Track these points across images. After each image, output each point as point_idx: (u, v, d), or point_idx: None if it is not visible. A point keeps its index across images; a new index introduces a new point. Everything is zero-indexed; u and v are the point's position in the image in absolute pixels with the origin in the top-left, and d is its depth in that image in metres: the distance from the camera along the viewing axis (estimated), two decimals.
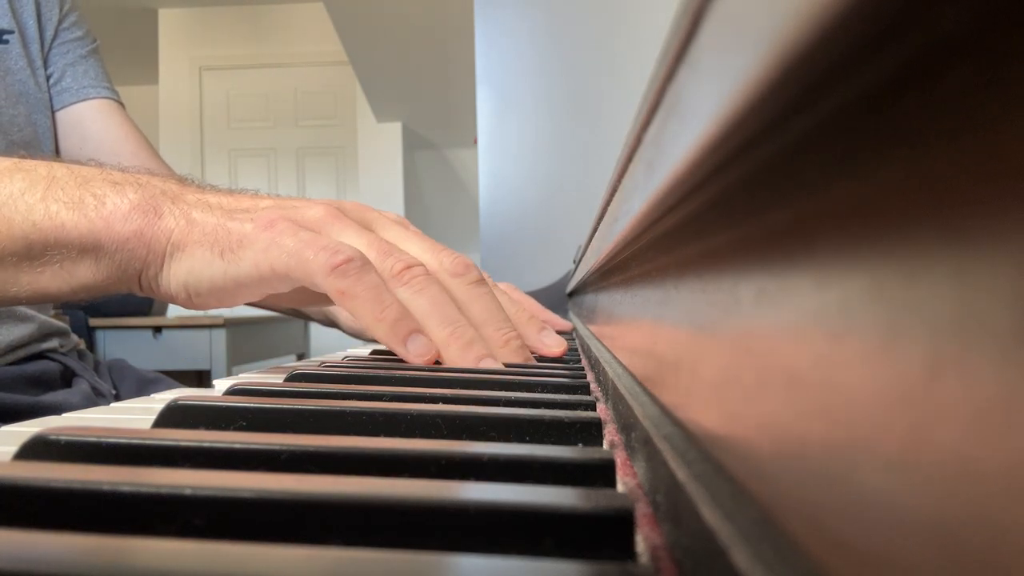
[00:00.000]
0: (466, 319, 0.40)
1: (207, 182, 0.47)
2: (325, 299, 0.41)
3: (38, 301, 0.40)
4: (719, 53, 0.10)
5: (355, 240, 0.40)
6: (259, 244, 0.38)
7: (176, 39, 3.89)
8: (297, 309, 0.67)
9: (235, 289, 0.40)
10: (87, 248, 0.38)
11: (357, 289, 0.37)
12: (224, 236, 0.39)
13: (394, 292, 0.39)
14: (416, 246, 0.43)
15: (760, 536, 0.10)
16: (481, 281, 0.43)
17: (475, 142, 1.45)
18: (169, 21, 3.88)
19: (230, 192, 0.44)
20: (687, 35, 0.12)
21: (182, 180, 0.44)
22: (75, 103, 0.75)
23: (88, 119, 0.76)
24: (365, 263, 0.38)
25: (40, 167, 0.39)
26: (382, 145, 3.77)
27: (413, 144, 3.90)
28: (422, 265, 0.40)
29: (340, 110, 3.96)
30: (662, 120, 0.16)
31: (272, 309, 0.66)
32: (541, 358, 0.45)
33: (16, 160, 0.39)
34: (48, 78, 0.74)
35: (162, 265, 0.39)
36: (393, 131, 3.76)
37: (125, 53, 3.86)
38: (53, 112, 0.75)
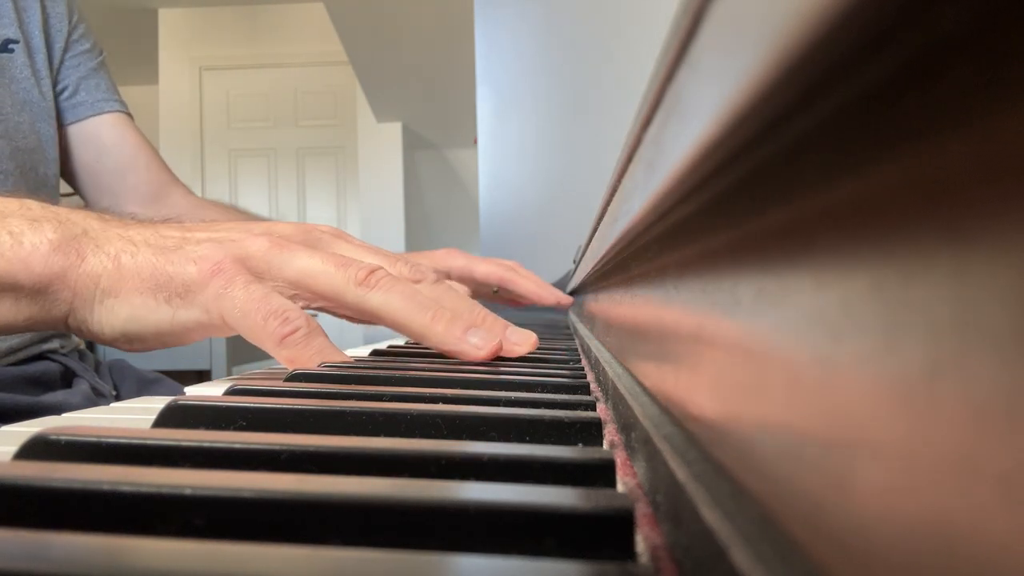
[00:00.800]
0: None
1: (128, 213, 0.46)
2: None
3: None
4: (719, 53, 0.10)
5: (308, 261, 0.40)
6: (208, 291, 0.37)
7: (176, 39, 3.89)
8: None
9: (183, 333, 0.39)
10: (5, 287, 0.37)
11: (304, 356, 0.38)
12: (165, 281, 0.38)
13: (365, 297, 0.39)
14: (371, 256, 0.44)
15: (760, 536, 0.10)
16: (440, 280, 0.44)
17: (475, 142, 1.45)
18: (169, 21, 3.88)
19: (152, 223, 0.43)
20: (687, 35, 0.12)
21: (101, 215, 0.42)
22: (91, 116, 0.78)
23: (104, 133, 0.78)
24: (311, 329, 0.38)
25: None
26: (382, 145, 3.77)
27: (413, 144, 3.90)
28: (382, 267, 0.41)
29: (340, 110, 3.96)
30: (662, 120, 0.16)
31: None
32: (541, 360, 0.45)
33: None
34: (61, 91, 0.76)
35: (91, 310, 0.38)
36: (393, 131, 3.76)
37: (125, 53, 3.86)
38: (64, 124, 0.77)
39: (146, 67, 4.00)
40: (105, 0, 3.56)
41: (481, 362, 0.41)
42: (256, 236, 0.40)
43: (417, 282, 0.43)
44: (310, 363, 0.37)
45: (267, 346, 0.37)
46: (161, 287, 0.38)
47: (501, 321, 0.43)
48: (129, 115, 0.82)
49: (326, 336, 0.39)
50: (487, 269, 0.79)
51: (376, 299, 0.39)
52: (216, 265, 0.38)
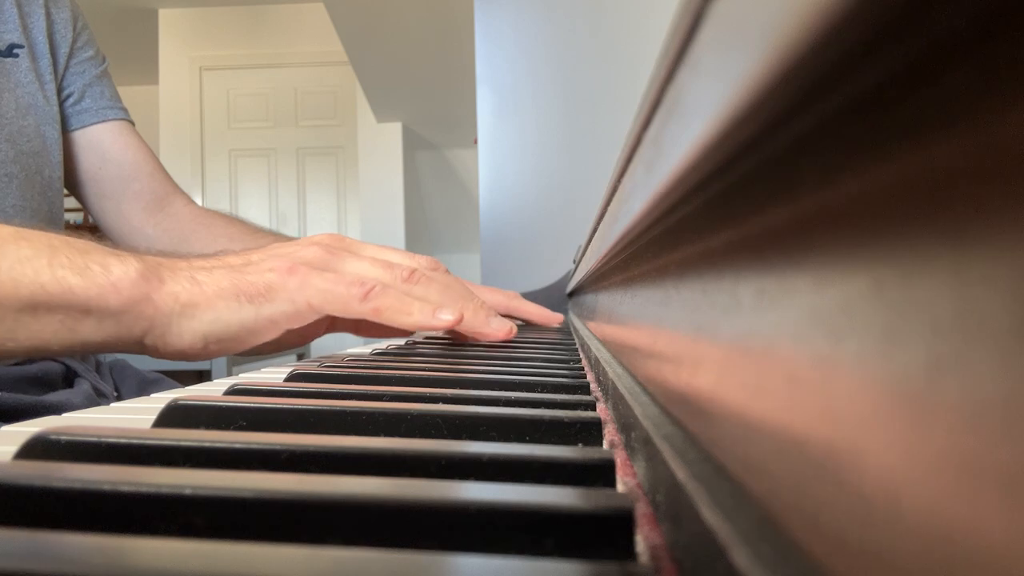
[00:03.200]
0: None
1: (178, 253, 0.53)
2: (332, 327, 0.54)
3: (35, 355, 0.43)
4: (719, 53, 0.10)
5: (357, 265, 0.49)
6: (290, 287, 0.45)
7: (176, 39, 3.89)
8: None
9: (267, 326, 0.46)
10: (92, 310, 0.42)
11: (385, 303, 0.47)
12: (246, 287, 0.45)
13: (409, 291, 0.49)
14: (397, 256, 0.53)
15: (760, 536, 0.10)
16: (446, 271, 0.55)
17: (475, 142, 1.45)
18: (169, 21, 3.87)
19: (204, 257, 0.49)
20: (687, 35, 0.12)
21: (161, 255, 0.49)
22: (95, 124, 0.79)
23: (108, 140, 0.80)
24: (384, 284, 0.47)
25: (40, 236, 0.43)
26: (382, 145, 3.77)
27: (413, 144, 3.90)
28: (416, 268, 0.51)
29: (340, 110, 3.96)
30: (662, 120, 0.16)
31: (265, 351, 0.71)
32: (541, 360, 0.46)
33: (16, 229, 0.43)
34: (67, 97, 0.78)
35: (171, 322, 0.44)
36: (393, 131, 3.76)
37: (125, 53, 3.85)
38: (68, 129, 0.78)
39: (146, 67, 4.00)
40: (105, 0, 3.56)
41: (481, 362, 0.42)
42: (308, 247, 0.49)
43: (433, 271, 0.53)
44: (389, 310, 0.47)
45: (353, 307, 0.46)
46: (242, 292, 0.45)
47: (486, 311, 0.54)
48: (131, 123, 0.83)
49: (397, 290, 0.48)
50: (494, 299, 0.82)
51: (416, 292, 0.49)
52: (290, 267, 0.46)
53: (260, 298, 0.45)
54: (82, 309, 0.42)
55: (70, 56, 0.78)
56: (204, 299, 0.44)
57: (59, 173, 0.75)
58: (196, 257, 0.49)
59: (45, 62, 0.74)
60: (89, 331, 0.42)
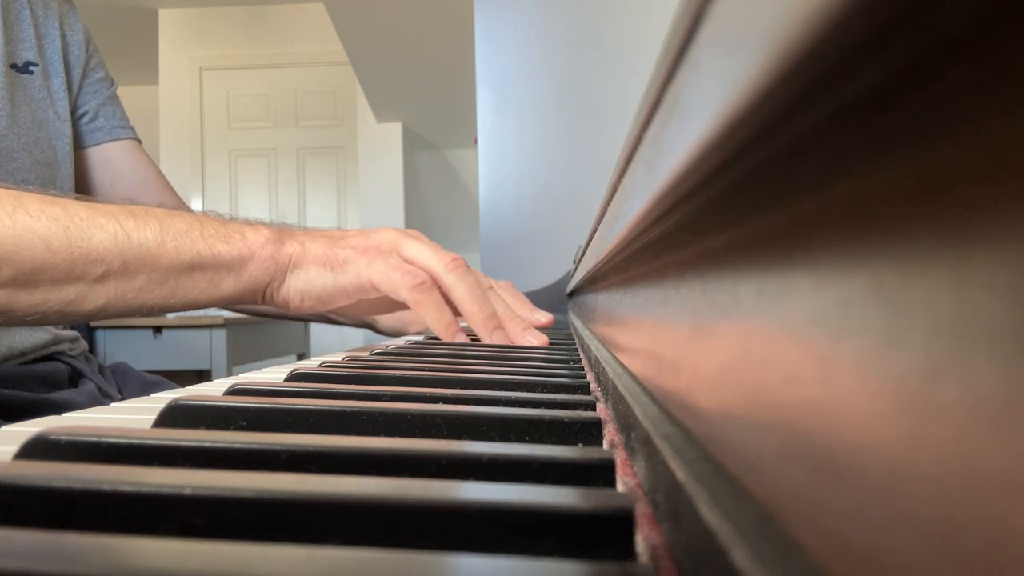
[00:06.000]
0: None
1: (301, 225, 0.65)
2: (393, 307, 0.63)
3: (186, 309, 0.54)
4: (719, 53, 0.10)
5: (417, 249, 0.58)
6: (361, 263, 0.56)
7: (176, 39, 3.89)
8: (337, 318, 0.81)
9: (340, 292, 0.56)
10: (234, 267, 0.54)
11: (427, 300, 0.56)
12: (332, 258, 0.56)
13: (446, 276, 0.57)
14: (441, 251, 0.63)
15: (760, 536, 0.10)
16: (490, 288, 0.63)
17: (475, 142, 1.45)
18: (169, 21, 3.87)
19: (319, 231, 0.61)
20: (687, 35, 0.12)
21: (283, 224, 0.61)
22: (108, 142, 0.86)
23: (119, 158, 0.87)
24: (432, 286, 0.56)
25: (187, 215, 0.54)
26: (382, 145, 3.77)
27: (413, 144, 3.90)
28: (462, 258, 0.59)
29: (340, 110, 3.95)
30: (662, 120, 0.16)
31: (341, 318, 0.81)
32: (541, 360, 0.46)
33: (167, 210, 0.54)
34: (82, 115, 0.84)
35: (284, 278, 0.56)
36: (393, 131, 3.76)
37: (125, 53, 3.85)
38: (82, 146, 0.84)
39: (146, 67, 4.00)
40: (105, 0, 3.56)
41: (481, 362, 0.42)
42: (382, 231, 0.60)
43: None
44: (428, 305, 0.56)
45: (401, 292, 0.55)
46: (329, 262, 0.56)
47: (520, 322, 0.61)
48: (139, 141, 0.89)
49: (439, 291, 0.57)
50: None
51: (450, 279, 0.57)
52: (365, 248, 0.57)
53: (338, 268, 0.56)
54: (227, 268, 0.54)
55: (83, 76, 0.84)
56: (304, 260, 0.56)
57: (70, 185, 0.80)
58: (310, 230, 0.60)
59: (58, 80, 0.80)
60: (229, 286, 0.54)
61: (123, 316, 0.53)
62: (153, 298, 0.52)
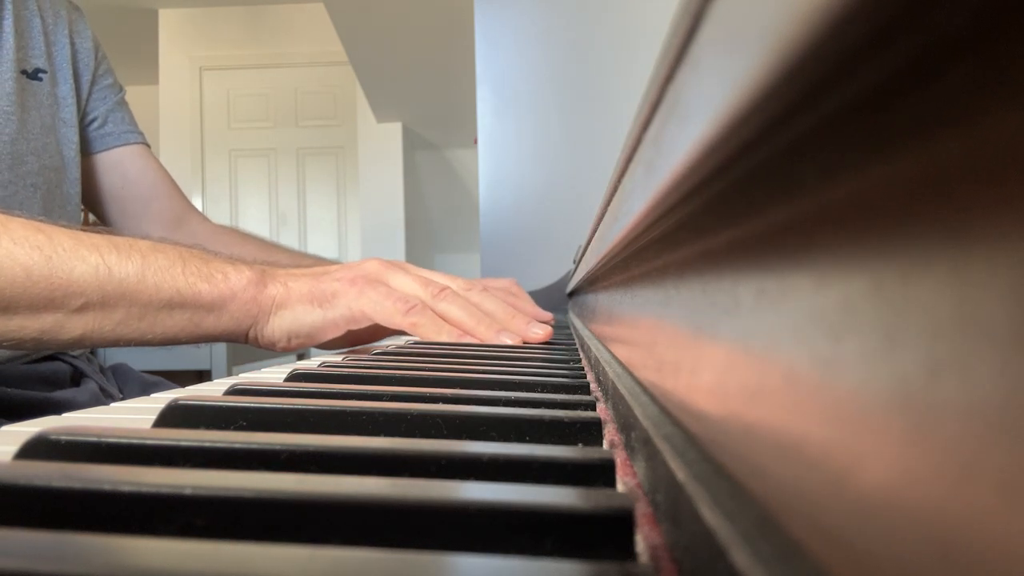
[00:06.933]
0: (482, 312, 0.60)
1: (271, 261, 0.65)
2: (381, 334, 0.63)
3: (166, 344, 0.53)
4: (719, 53, 0.10)
5: (404, 280, 0.58)
6: (351, 294, 0.56)
7: (176, 39, 3.88)
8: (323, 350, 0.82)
9: (330, 326, 0.56)
10: (214, 308, 0.53)
11: (422, 321, 0.56)
12: (319, 294, 0.56)
13: (437, 305, 0.57)
14: (437, 276, 0.62)
15: (760, 536, 0.10)
16: (484, 291, 0.63)
17: (475, 142, 1.44)
18: (169, 21, 3.87)
19: (300, 269, 0.61)
20: (687, 35, 0.12)
21: (265, 262, 0.61)
22: (118, 147, 0.87)
23: (128, 162, 0.88)
24: (423, 305, 0.57)
25: (171, 248, 0.54)
26: (382, 145, 3.77)
27: (413, 144, 3.90)
28: (449, 287, 0.59)
29: (340, 110, 3.95)
30: (662, 120, 0.16)
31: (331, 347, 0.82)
32: (541, 360, 0.46)
33: (151, 242, 0.53)
34: (91, 121, 0.85)
35: (268, 319, 0.55)
36: (393, 131, 3.76)
37: (125, 53, 3.85)
38: (92, 152, 0.86)
39: (146, 67, 3.99)
40: (105, 0, 3.56)
41: (481, 362, 0.42)
42: (368, 263, 0.60)
43: (466, 291, 0.61)
44: (423, 327, 0.56)
45: (396, 320, 0.56)
46: (316, 298, 0.56)
47: (523, 318, 0.61)
48: (148, 146, 0.91)
49: (433, 312, 0.58)
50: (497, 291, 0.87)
51: (442, 306, 0.58)
52: (352, 279, 0.56)
53: (327, 303, 0.55)
54: (207, 308, 0.53)
55: (93, 83, 0.85)
56: (289, 301, 0.55)
57: (76, 190, 0.81)
58: (293, 268, 0.60)
59: (66, 87, 0.81)
60: (210, 325, 0.54)
61: (102, 347, 0.53)
62: (131, 332, 0.51)
